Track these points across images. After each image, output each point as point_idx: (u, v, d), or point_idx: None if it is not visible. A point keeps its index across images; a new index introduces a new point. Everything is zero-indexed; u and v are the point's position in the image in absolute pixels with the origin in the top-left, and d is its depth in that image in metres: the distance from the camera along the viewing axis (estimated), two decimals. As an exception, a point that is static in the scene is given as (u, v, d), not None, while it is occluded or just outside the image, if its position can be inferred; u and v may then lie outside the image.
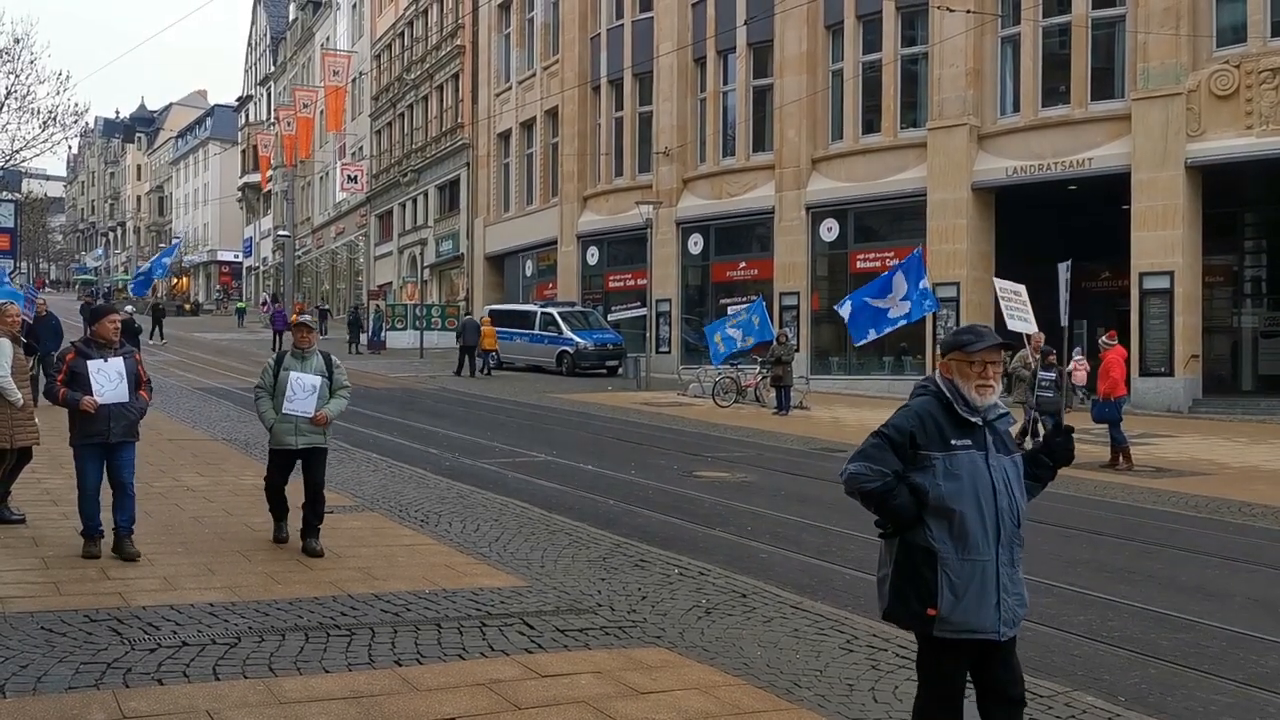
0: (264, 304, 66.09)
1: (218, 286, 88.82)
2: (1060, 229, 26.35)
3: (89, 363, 7.42)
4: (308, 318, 8.52)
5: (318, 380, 8.07)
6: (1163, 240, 22.99)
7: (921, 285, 18.01)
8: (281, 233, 59.86)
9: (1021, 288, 16.23)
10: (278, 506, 8.40)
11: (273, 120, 68.96)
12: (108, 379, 7.40)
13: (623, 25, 34.94)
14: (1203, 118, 22.65)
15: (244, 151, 79.32)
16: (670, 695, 5.35)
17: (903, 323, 19.83)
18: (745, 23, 30.05)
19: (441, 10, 47.57)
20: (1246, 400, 24.20)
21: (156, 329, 41.74)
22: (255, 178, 74.92)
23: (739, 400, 23.60)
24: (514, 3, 41.22)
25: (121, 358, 7.59)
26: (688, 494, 12.10)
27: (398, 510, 10.12)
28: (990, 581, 3.89)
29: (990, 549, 3.88)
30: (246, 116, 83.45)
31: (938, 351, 4.22)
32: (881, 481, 3.89)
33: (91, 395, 7.33)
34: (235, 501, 10.23)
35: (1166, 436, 18.26)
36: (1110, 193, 24.06)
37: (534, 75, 39.69)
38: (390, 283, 52.66)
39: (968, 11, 24.93)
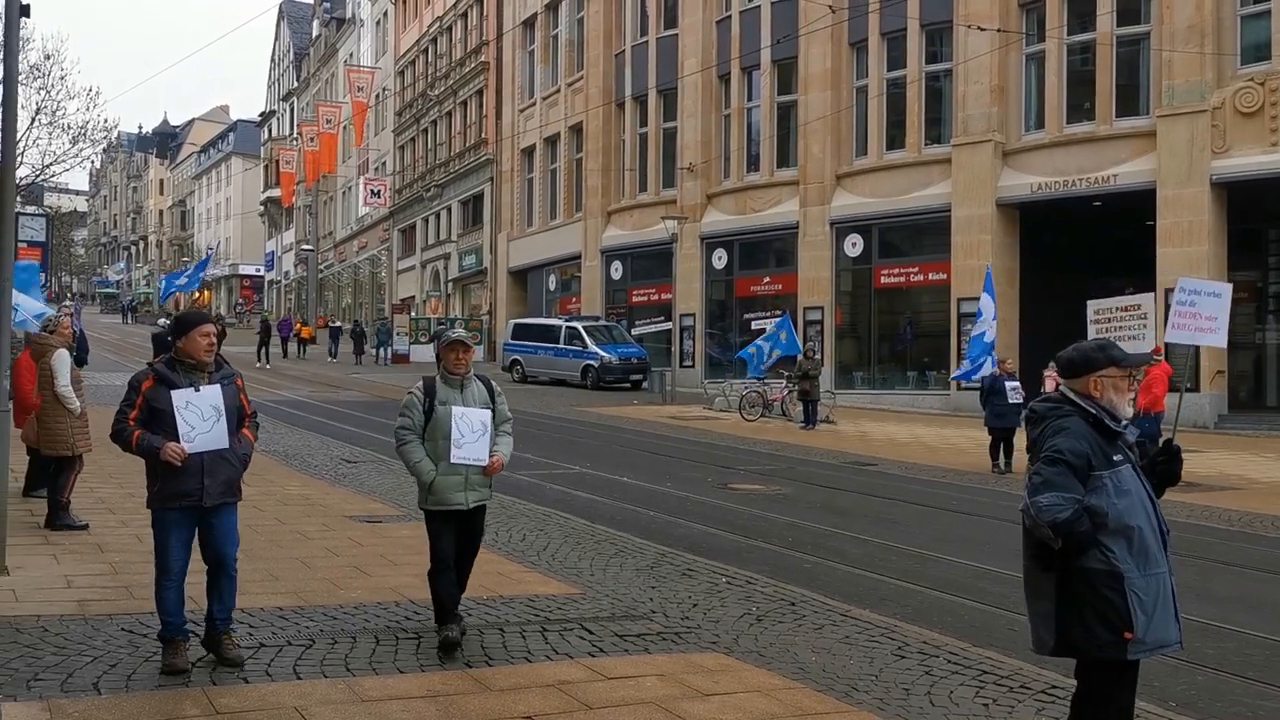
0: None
1: (239, 300, 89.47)
2: (1085, 245, 26.44)
3: (174, 394, 5.33)
4: (463, 334, 6.35)
5: (486, 415, 6.13)
6: (1188, 257, 23.05)
7: (988, 303, 18.18)
8: (305, 247, 60.38)
9: (1110, 303, 16.29)
10: (446, 589, 6.14)
11: (295, 135, 69.63)
12: (199, 417, 5.34)
13: (647, 42, 35.27)
14: (1227, 134, 22.74)
15: (266, 166, 80.00)
16: (734, 697, 5.52)
17: (991, 342, 19.52)
18: (772, 44, 30.29)
19: (466, 27, 48.05)
20: (1272, 416, 24.20)
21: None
22: (277, 192, 75.49)
23: (765, 414, 23.77)
24: (539, 20, 41.62)
25: (219, 385, 5.48)
26: (725, 505, 12.27)
27: (444, 520, 10.30)
28: (1168, 592, 3.90)
29: (1164, 560, 3.89)
30: (269, 131, 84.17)
31: (1061, 370, 4.25)
32: (1073, 510, 3.75)
33: (177, 440, 5.29)
34: (285, 511, 10.46)
35: (1195, 452, 18.28)
36: (1135, 209, 24.15)
37: (558, 91, 40.05)
38: (413, 297, 53.04)
39: (995, 30, 25.13)
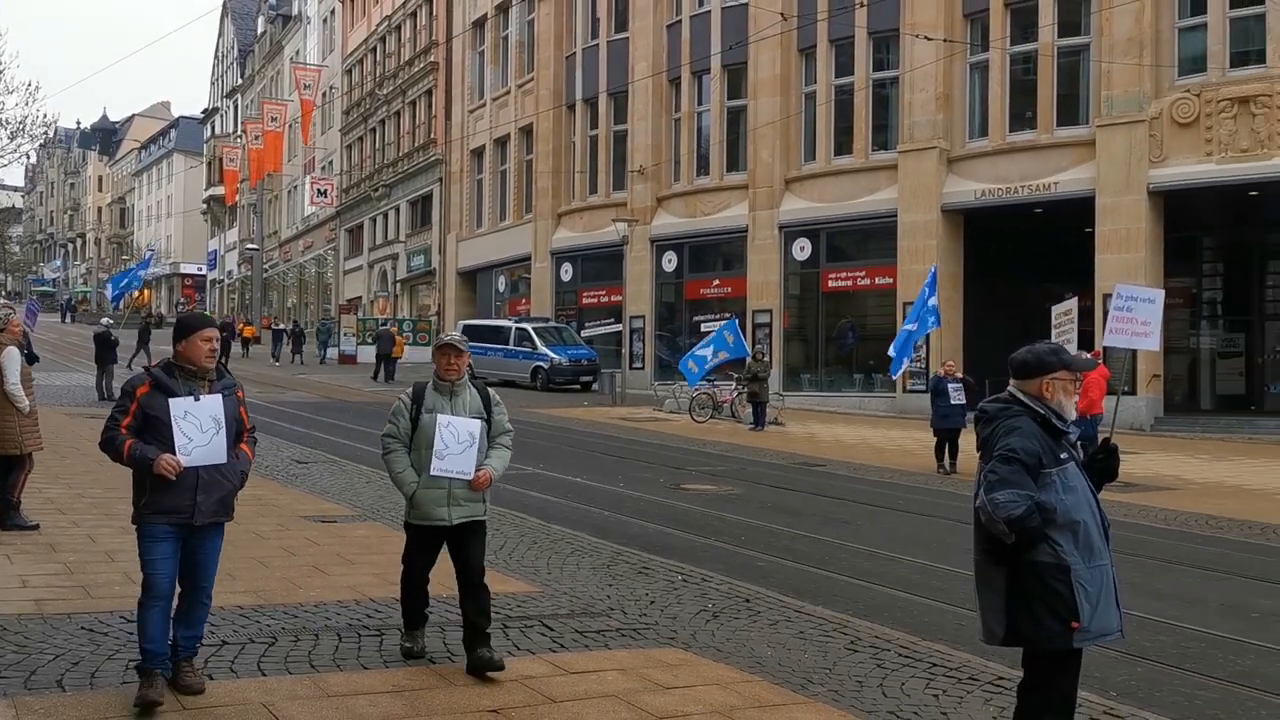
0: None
1: (180, 300, 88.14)
2: (1027, 251, 27.00)
3: (172, 402, 4.95)
4: (456, 336, 5.95)
5: (476, 426, 5.69)
6: (1126, 263, 23.62)
7: (931, 302, 18.48)
8: (250, 246, 59.69)
9: (1070, 305, 16.92)
10: (415, 604, 5.96)
11: (240, 133, 68.82)
12: (197, 428, 4.95)
13: (598, 45, 35.39)
14: (1164, 144, 23.37)
15: (209, 164, 78.94)
16: (694, 690, 5.66)
17: (916, 339, 20.10)
18: (723, 50, 30.55)
19: (415, 27, 47.84)
20: (1206, 419, 24.91)
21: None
22: (220, 190, 74.56)
23: (715, 416, 23.98)
24: (489, 21, 41.57)
25: (220, 395, 5.07)
26: (678, 505, 12.42)
27: (399, 520, 10.29)
28: (1110, 584, 4.08)
29: (1106, 553, 4.08)
30: (212, 129, 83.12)
31: (1015, 371, 4.39)
32: (1026, 506, 3.89)
33: (173, 452, 4.91)
34: (239, 511, 10.32)
35: (1131, 453, 18.74)
36: (1075, 216, 24.71)
37: (508, 93, 40.02)
38: (360, 297, 52.67)
39: (945, 40, 25.58)
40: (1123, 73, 23.58)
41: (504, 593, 7.60)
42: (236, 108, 76.67)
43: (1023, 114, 25.79)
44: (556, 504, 12.12)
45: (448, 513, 5.73)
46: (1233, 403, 26.20)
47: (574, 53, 36.44)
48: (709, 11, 31.58)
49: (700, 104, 32.33)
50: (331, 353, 43.29)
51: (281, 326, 46.24)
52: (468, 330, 34.69)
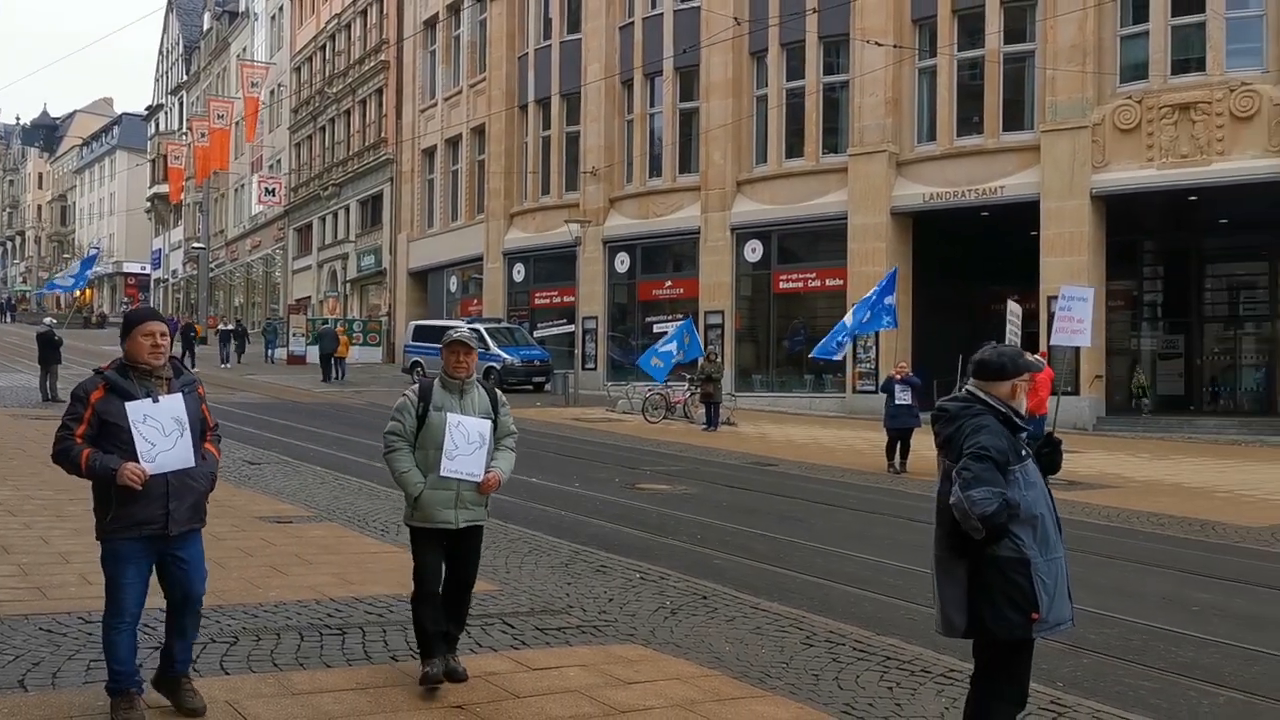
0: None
1: (124, 299, 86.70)
2: (974, 254, 27.44)
3: (129, 406, 4.60)
4: (466, 333, 5.72)
5: (486, 426, 5.52)
6: (1069, 266, 24.09)
7: (888, 301, 18.71)
8: (196, 245, 58.92)
9: (1020, 310, 17.27)
10: (434, 623, 5.50)
11: (185, 130, 67.89)
12: (159, 431, 4.61)
13: (550, 46, 35.40)
14: (1107, 150, 23.88)
15: (153, 161, 77.74)
16: (655, 685, 5.76)
17: (860, 332, 20.32)
18: (675, 54, 30.72)
19: (365, 25, 47.50)
20: (1146, 419, 25.49)
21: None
22: (165, 188, 73.44)
23: (668, 416, 24.12)
24: (440, 21, 41.40)
25: (180, 394, 4.74)
26: (633, 505, 12.52)
27: (356, 520, 10.36)
28: (1064, 575, 4.22)
29: (1060, 545, 4.23)
30: (157, 126, 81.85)
31: (972, 372, 4.50)
32: (999, 503, 4.01)
33: (136, 460, 4.55)
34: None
35: (1074, 452, 19.18)
36: (1021, 219, 25.17)
37: (460, 92, 39.90)
38: (309, 297, 52.19)
39: (896, 46, 25.94)
40: (1066, 79, 24.06)
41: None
42: (182, 105, 75.61)
43: (970, 119, 26.22)
44: (513, 504, 12.14)
45: (454, 515, 5.49)
46: (1172, 403, 26.82)
47: (526, 53, 36.42)
48: (661, 14, 31.74)
49: (653, 106, 32.48)
50: (280, 353, 42.89)
51: (229, 327, 45.63)
52: (419, 331, 34.62)
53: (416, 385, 5.66)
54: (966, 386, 4.43)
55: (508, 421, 5.70)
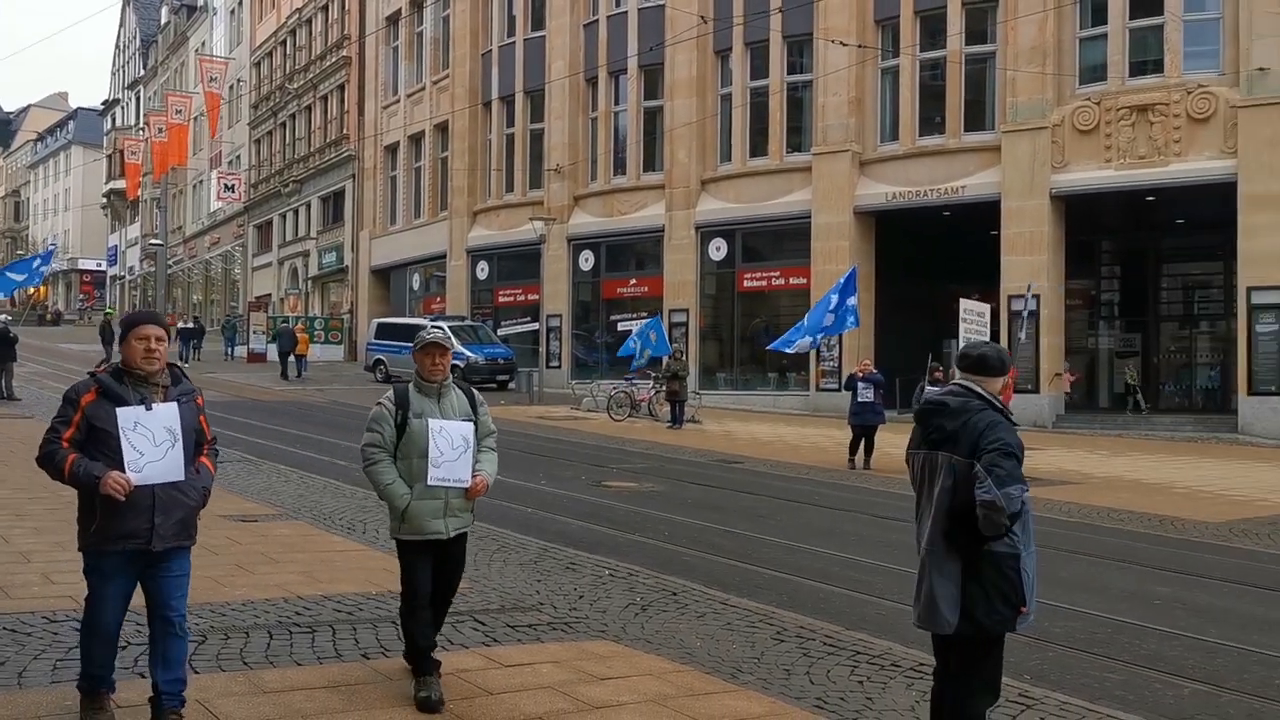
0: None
1: (79, 296, 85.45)
2: (936, 253, 27.68)
3: (120, 412, 4.38)
4: (440, 333, 5.45)
5: (469, 429, 5.33)
6: (1029, 265, 24.38)
7: (850, 301, 18.83)
8: (154, 242, 58.13)
9: (987, 308, 17.37)
10: (425, 640, 5.33)
11: (142, 126, 66.99)
12: (149, 441, 4.38)
13: (514, 43, 35.28)
14: (1066, 150, 24.18)
15: (110, 157, 76.69)
16: (628, 681, 5.77)
17: (825, 335, 20.44)
18: (639, 52, 30.73)
19: (326, 20, 47.11)
20: (1105, 416, 25.84)
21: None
22: (121, 184, 72.46)
23: (633, 414, 24.12)
24: (402, 16, 41.13)
25: (175, 403, 4.51)
26: (601, 502, 12.52)
27: (322, 518, 10.29)
28: (1034, 568, 4.29)
29: (1034, 539, 4.30)
30: (113, 121, 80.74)
31: (956, 368, 4.49)
32: (1024, 499, 4.09)
33: (123, 469, 4.32)
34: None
35: (1035, 449, 19.39)
36: (982, 219, 25.42)
37: (423, 89, 39.68)
38: (269, 294, 51.70)
39: (861, 45, 26.10)
40: (1027, 80, 24.33)
41: (433, 589, 7.63)
42: (139, 100, 74.62)
43: (932, 119, 26.44)
44: (479, 501, 12.08)
45: (444, 525, 5.27)
46: (1128, 401, 27.17)
47: (490, 50, 36.29)
48: (625, 12, 31.73)
49: (617, 104, 32.46)
50: (240, 350, 42.45)
51: (188, 325, 44.84)
52: (382, 329, 34.44)
53: (391, 393, 5.36)
54: (959, 381, 4.39)
55: (488, 421, 5.53)
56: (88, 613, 4.57)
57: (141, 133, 64.60)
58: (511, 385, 31.37)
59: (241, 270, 57.00)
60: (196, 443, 4.59)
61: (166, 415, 4.44)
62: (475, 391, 5.61)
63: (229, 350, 42.89)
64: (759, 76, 28.99)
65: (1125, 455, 19.52)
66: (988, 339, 16.74)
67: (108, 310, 66.56)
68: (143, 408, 4.42)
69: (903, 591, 8.10)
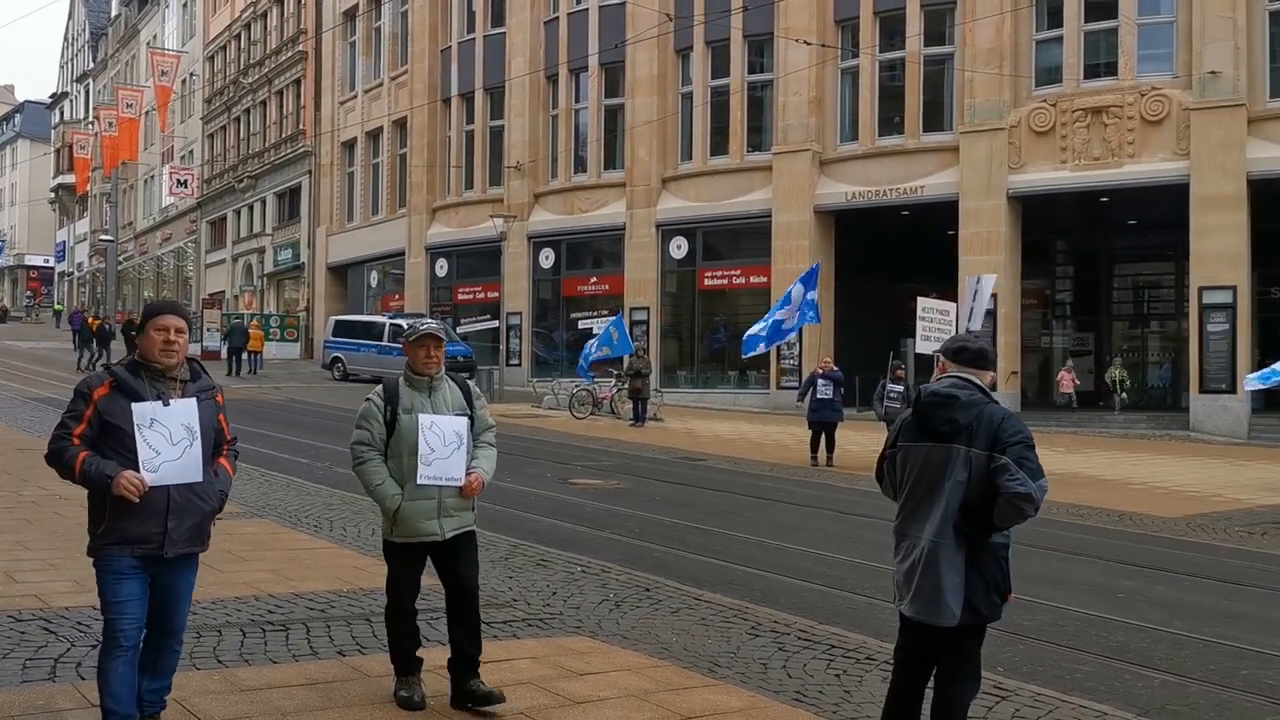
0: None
1: (26, 293, 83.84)
2: (895, 252, 27.94)
3: (135, 407, 4.13)
4: (435, 325, 5.31)
5: (462, 424, 5.06)
6: (987, 264, 24.57)
7: (810, 296, 18.92)
8: (104, 237, 57.17)
9: (951, 306, 17.46)
10: (409, 642, 5.15)
11: (92, 119, 65.86)
12: (166, 439, 4.14)
13: (474, 39, 35.09)
14: (1023, 151, 24.49)
15: (58, 151, 75.28)
16: (606, 676, 5.76)
17: (790, 334, 20.57)
18: (600, 50, 30.68)
19: (282, 14, 46.57)
20: (1059, 414, 26.20)
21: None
22: (70, 179, 71.18)
23: (595, 412, 24.09)
24: (360, 12, 40.75)
25: (194, 399, 4.26)
26: (568, 500, 12.50)
27: (288, 516, 10.18)
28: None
29: None
30: (61, 114, 79.32)
31: (950, 362, 4.49)
32: None
33: (137, 469, 4.08)
34: (117, 509, 10.06)
35: (994, 446, 19.71)
36: (940, 219, 25.69)
37: (381, 85, 39.35)
38: (223, 291, 51.03)
39: (821, 45, 26.25)
40: (984, 82, 24.60)
41: (405, 586, 7.58)
42: (88, 93, 73.37)
43: (891, 119, 26.67)
44: (445, 499, 12.05)
45: (439, 525, 4.99)
46: (1083, 398, 27.59)
47: (449, 46, 36.06)
48: (586, 10, 31.66)
49: (578, 101, 32.40)
50: (193, 348, 41.85)
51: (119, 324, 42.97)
52: (340, 326, 34.14)
53: (380, 387, 5.14)
54: (958, 374, 4.32)
55: (485, 415, 5.27)
56: (105, 626, 4.21)
57: (91, 126, 63.51)
58: (471, 383, 31.17)
59: (194, 267, 56.22)
60: (215, 443, 4.34)
61: (185, 412, 4.19)
62: (471, 384, 5.36)
63: None
64: (720, 75, 29.06)
65: (1081, 452, 19.79)
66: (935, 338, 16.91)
67: (56, 306, 65.40)
68: (159, 403, 4.16)
69: (874, 586, 8.20)
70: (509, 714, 5.07)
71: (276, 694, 5.14)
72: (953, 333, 16.73)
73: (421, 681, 5.16)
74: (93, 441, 4.12)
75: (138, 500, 4.05)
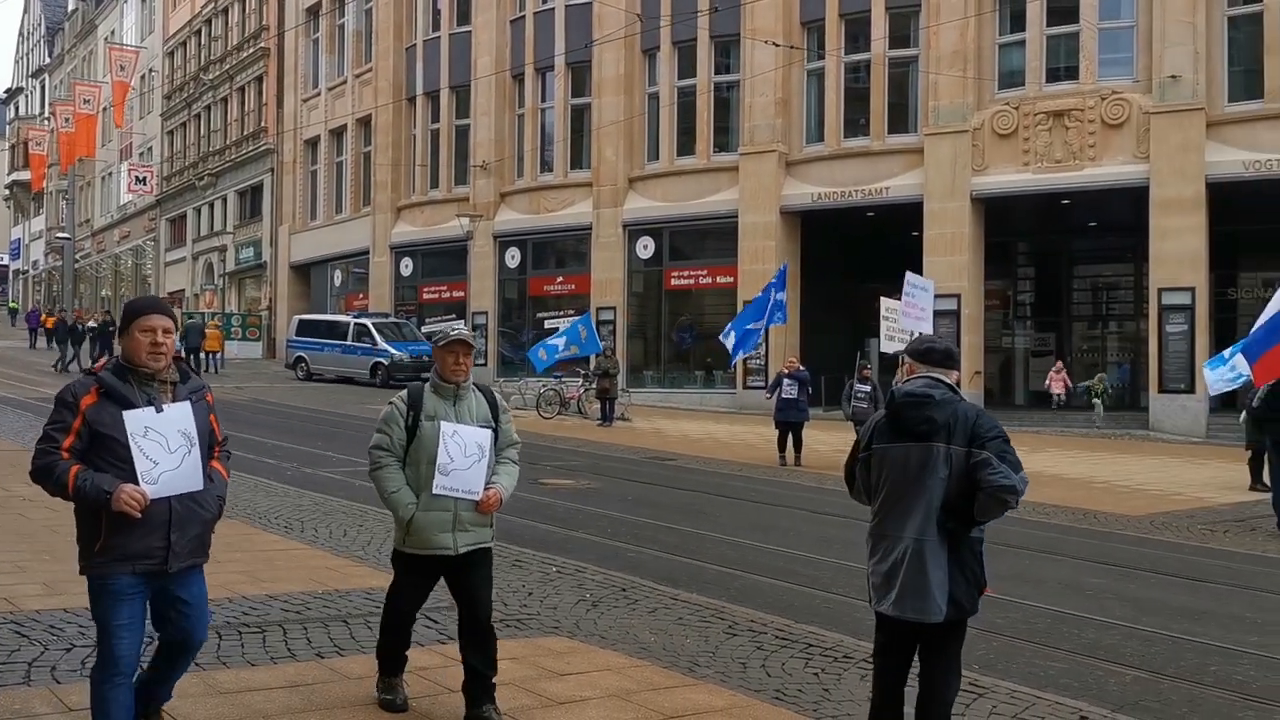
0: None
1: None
2: (860, 253, 28.10)
3: (127, 415, 3.87)
4: (465, 331, 5.26)
5: (486, 436, 4.89)
6: (951, 265, 24.87)
7: (779, 297, 19.03)
8: (60, 235, 56.40)
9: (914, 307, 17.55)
10: (398, 645, 5.07)
11: (48, 115, 64.88)
12: (163, 448, 3.88)
13: (439, 37, 34.89)
14: (986, 154, 24.73)
15: (14, 147, 73.99)
16: (587, 676, 5.76)
17: (758, 336, 20.70)
18: (566, 51, 30.63)
19: (244, 10, 46.08)
20: (1021, 413, 26.47)
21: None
22: (25, 175, 70.04)
23: (562, 412, 24.05)
24: (324, 9, 40.41)
25: (187, 403, 4.01)
26: (540, 500, 12.46)
27: (258, 518, 10.09)
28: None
29: None
30: (16, 110, 78.07)
31: (917, 363, 4.54)
32: None
33: (133, 481, 3.81)
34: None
35: (959, 446, 19.90)
36: (905, 220, 25.87)
37: (345, 83, 39.04)
38: (183, 290, 50.44)
39: (791, 47, 26.38)
40: (948, 84, 24.82)
41: (379, 587, 7.45)
42: (44, 88, 72.30)
43: (856, 121, 26.83)
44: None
45: (452, 539, 4.82)
46: (1044, 399, 27.91)
47: (414, 44, 35.84)
48: (553, 9, 31.58)
49: (544, 101, 32.32)
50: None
51: (93, 322, 41.97)
52: (303, 325, 33.86)
53: (405, 392, 4.98)
54: (928, 374, 4.38)
55: (510, 430, 5.08)
56: (100, 651, 3.97)
57: (47, 123, 62.60)
58: (498, 396, 30.96)
59: (153, 265, 55.52)
60: (209, 446, 4.10)
61: (179, 417, 3.93)
62: (499, 397, 5.19)
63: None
64: (687, 76, 29.10)
65: (1044, 451, 19.98)
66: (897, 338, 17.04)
67: (11, 304, 64.33)
68: (151, 410, 3.89)
69: (848, 585, 8.25)
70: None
71: (256, 696, 5.10)
72: (911, 333, 16.89)
73: (404, 683, 5.13)
74: (82, 454, 3.83)
75: (139, 515, 3.78)
